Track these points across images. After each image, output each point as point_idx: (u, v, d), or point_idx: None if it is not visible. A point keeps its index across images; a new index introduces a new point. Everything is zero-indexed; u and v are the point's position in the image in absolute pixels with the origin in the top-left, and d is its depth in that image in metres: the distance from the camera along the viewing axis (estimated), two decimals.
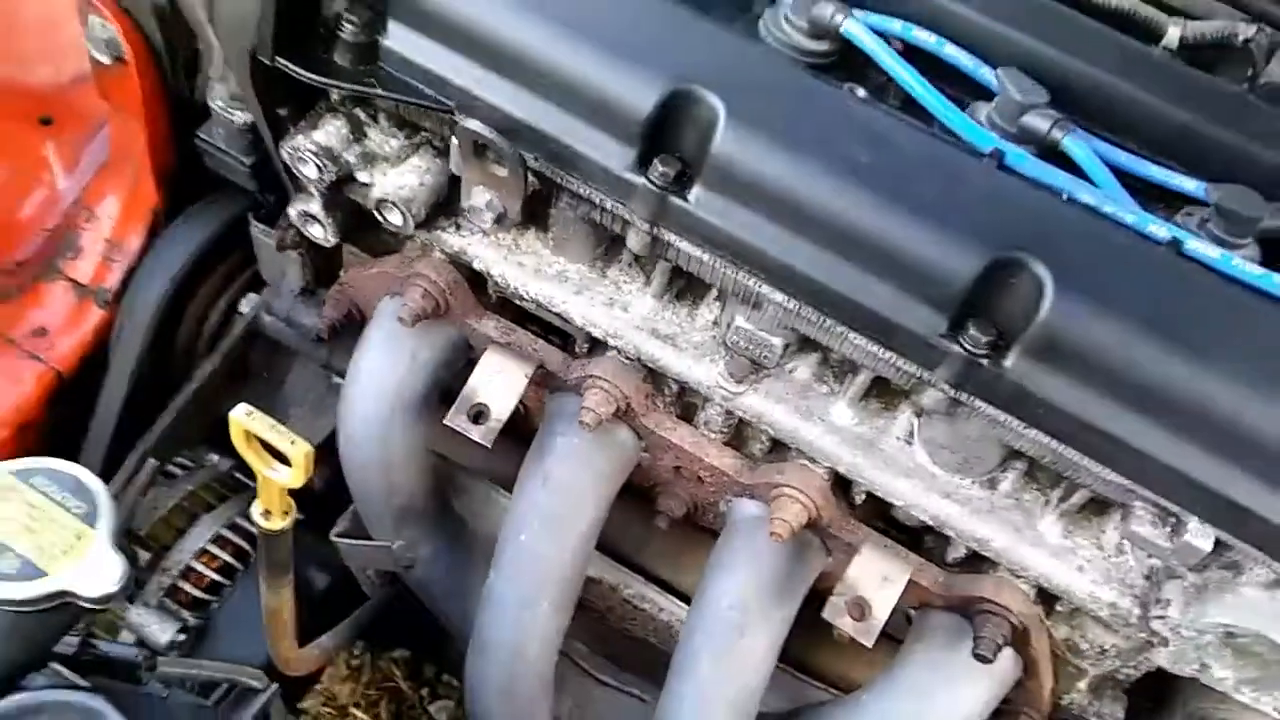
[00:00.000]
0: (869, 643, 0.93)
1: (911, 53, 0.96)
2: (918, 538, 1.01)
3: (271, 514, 0.87)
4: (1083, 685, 1.03)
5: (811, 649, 1.10)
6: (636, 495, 1.10)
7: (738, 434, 1.02)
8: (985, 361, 0.84)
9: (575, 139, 0.89)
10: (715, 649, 0.98)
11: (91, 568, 0.71)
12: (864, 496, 0.98)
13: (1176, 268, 0.85)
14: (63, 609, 0.72)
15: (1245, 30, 1.04)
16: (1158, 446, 0.82)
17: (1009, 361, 0.84)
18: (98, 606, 0.72)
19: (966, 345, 0.83)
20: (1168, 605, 0.89)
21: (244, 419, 0.81)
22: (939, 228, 0.84)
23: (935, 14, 0.97)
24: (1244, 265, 0.85)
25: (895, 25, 0.96)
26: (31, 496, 0.73)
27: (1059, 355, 0.83)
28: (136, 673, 0.80)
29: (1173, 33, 1.08)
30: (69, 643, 0.78)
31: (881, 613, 0.94)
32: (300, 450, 0.81)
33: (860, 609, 0.94)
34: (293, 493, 0.99)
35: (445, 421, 0.99)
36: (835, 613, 0.94)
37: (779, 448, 1.00)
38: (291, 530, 0.87)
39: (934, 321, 0.85)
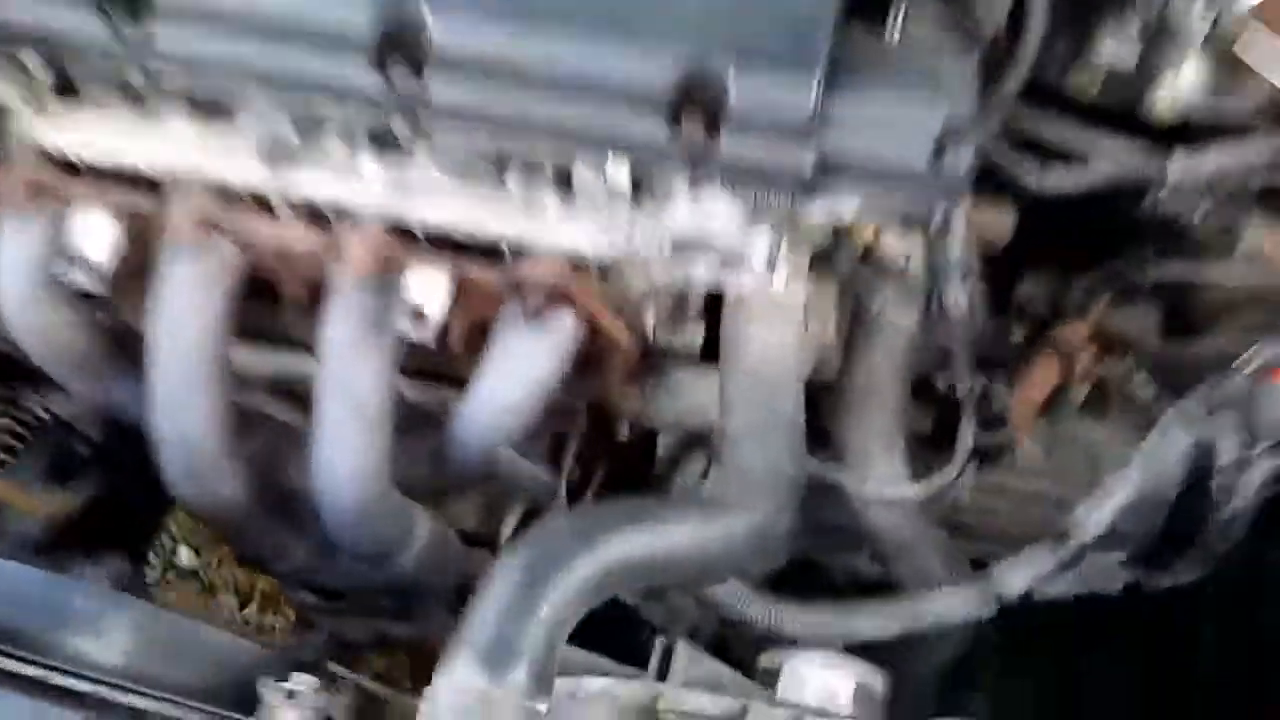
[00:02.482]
0: (430, 341, 1.14)
1: None
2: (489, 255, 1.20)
3: None
4: (652, 321, 1.24)
5: None
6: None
7: (311, 214, 1.20)
8: (412, 88, 1.01)
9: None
10: (335, 373, 1.17)
11: None
12: (420, 231, 1.17)
13: None
14: None
15: None
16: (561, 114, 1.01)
17: (429, 84, 1.01)
18: None
19: (390, 76, 1.01)
20: (634, 236, 1.09)
21: None
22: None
23: None
24: None
25: None
26: None
27: (459, 65, 1.00)
28: None
29: None
30: None
31: (435, 314, 1.14)
32: None
33: (420, 315, 1.14)
34: None
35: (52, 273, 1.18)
36: (402, 325, 1.14)
37: (343, 215, 1.19)
38: None
39: (358, 61, 1.02)
